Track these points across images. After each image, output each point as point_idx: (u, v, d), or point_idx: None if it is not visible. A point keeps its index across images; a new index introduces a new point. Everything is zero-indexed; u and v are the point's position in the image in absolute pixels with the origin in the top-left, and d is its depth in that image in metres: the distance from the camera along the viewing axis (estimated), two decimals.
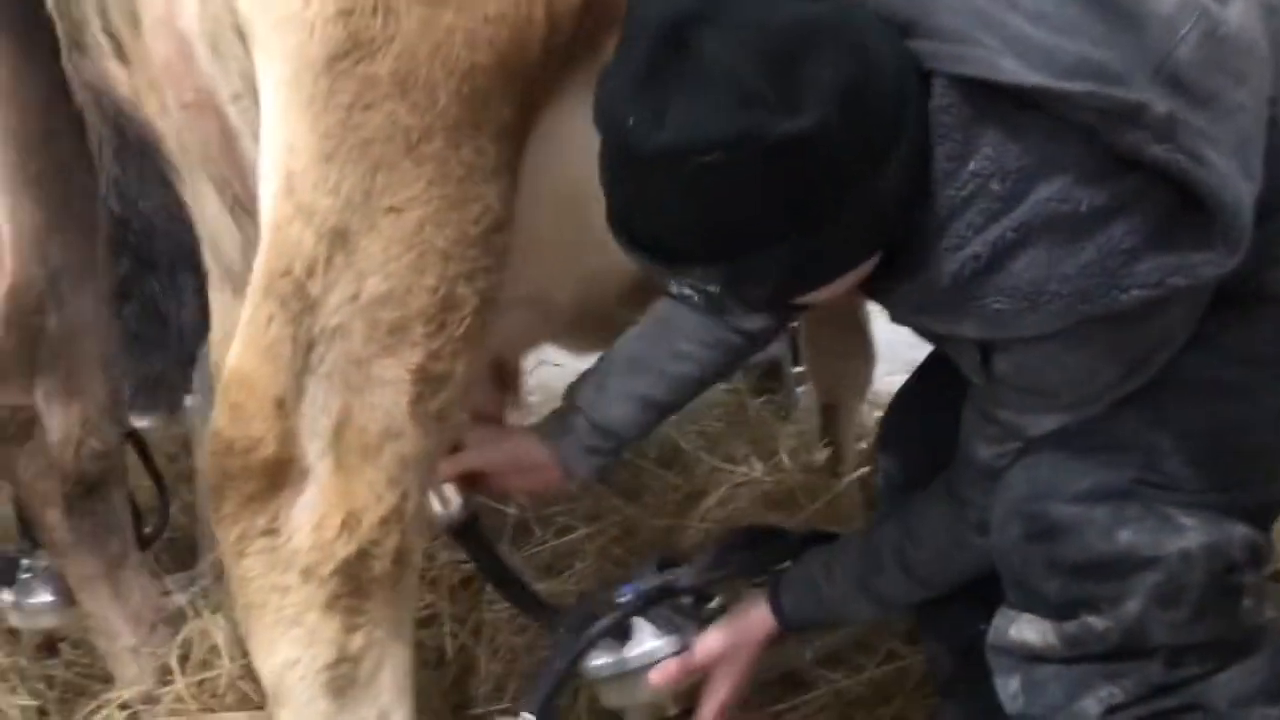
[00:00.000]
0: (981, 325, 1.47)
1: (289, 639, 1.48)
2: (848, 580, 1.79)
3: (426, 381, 1.51)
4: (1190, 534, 1.49)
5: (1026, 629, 1.58)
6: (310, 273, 1.46)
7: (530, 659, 2.37)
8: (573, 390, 1.92)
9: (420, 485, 1.54)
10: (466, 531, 1.89)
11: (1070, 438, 1.56)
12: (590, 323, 2.02)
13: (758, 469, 2.75)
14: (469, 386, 1.58)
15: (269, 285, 1.46)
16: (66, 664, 2.83)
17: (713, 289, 1.38)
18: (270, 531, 1.46)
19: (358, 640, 1.51)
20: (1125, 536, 1.49)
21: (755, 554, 1.90)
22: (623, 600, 1.82)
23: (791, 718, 2.19)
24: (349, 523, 1.48)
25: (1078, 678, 1.55)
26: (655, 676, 1.80)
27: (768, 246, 1.34)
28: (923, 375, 1.99)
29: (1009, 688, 1.61)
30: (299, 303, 1.46)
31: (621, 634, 1.81)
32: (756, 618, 1.84)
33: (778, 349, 3.35)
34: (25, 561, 2.82)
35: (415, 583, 1.58)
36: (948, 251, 1.42)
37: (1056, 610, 1.55)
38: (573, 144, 1.56)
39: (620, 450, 1.94)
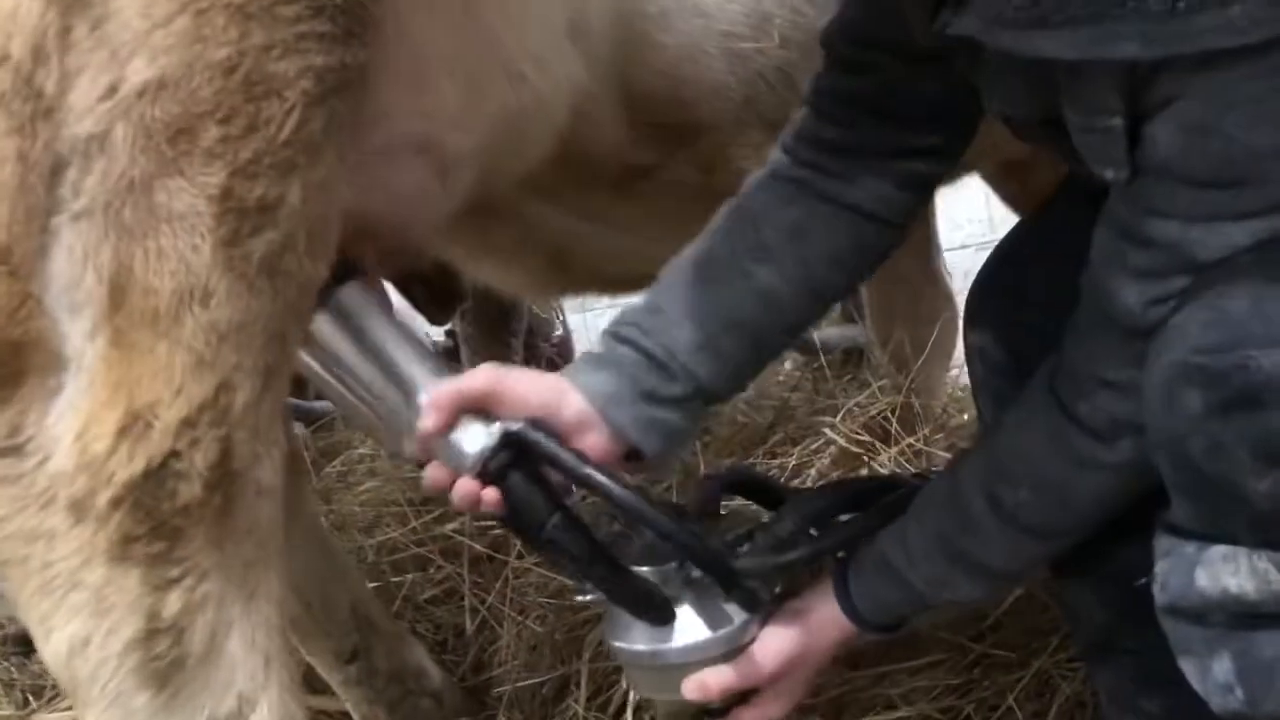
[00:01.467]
0: (1145, 36, 0.91)
1: (69, 608, 1.00)
2: (932, 551, 1.22)
3: (241, 214, 1.00)
4: None
5: (1226, 571, 0.97)
6: (39, 56, 0.96)
7: (562, 623, 1.88)
8: (614, 325, 1.29)
9: (258, 371, 1.04)
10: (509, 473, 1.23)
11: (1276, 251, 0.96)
12: (507, 205, 1.48)
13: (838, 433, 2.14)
14: (324, 229, 1.07)
15: None
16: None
17: None
18: (11, 450, 0.98)
19: (174, 602, 1.01)
20: None
21: (860, 519, 1.31)
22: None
23: (895, 687, 1.63)
24: (131, 427, 0.98)
25: None
26: (692, 691, 1.27)
27: None
28: (1025, 228, 1.41)
29: (1214, 674, 0.99)
30: (27, 103, 0.97)
31: (662, 619, 1.28)
32: (825, 618, 1.28)
33: (860, 332, 2.85)
34: None
35: (271, 515, 1.08)
36: None
37: (1273, 530, 0.94)
38: None
39: (698, 405, 1.28)
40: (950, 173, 1.83)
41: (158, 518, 0.99)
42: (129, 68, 0.97)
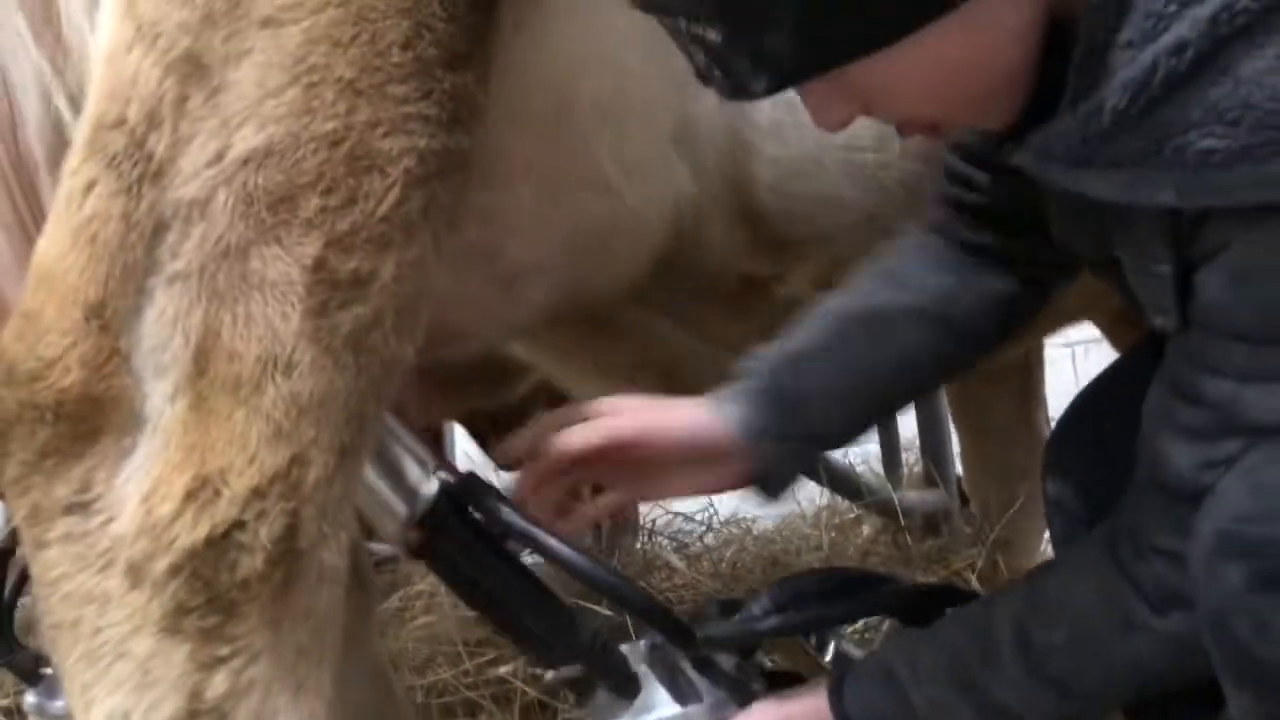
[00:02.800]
0: (1180, 187, 0.89)
1: (112, 679, 0.95)
2: (942, 673, 1.12)
3: (332, 286, 1.00)
4: None
5: None
6: (153, 121, 0.98)
7: None
8: (751, 364, 1.29)
9: (334, 449, 1.01)
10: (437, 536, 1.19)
11: None
12: (616, 321, 1.46)
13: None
14: (413, 310, 1.05)
15: (93, 140, 0.98)
16: None
17: (713, 36, 0.89)
18: (78, 507, 0.95)
19: (219, 683, 0.96)
20: None
21: (841, 604, 1.30)
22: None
23: None
24: (199, 492, 0.95)
25: None
26: None
27: None
28: (1109, 374, 1.37)
29: None
30: (136, 166, 0.98)
31: (627, 691, 1.25)
32: (809, 711, 1.20)
33: (942, 497, 2.75)
34: None
35: (330, 604, 1.03)
36: (1126, 47, 0.88)
37: None
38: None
39: (814, 450, 1.35)
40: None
41: (215, 589, 0.95)
42: (237, 135, 0.99)
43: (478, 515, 1.19)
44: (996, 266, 1.26)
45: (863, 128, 1.31)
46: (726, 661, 1.27)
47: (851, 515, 2.66)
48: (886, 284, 1.27)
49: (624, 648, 1.26)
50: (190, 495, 0.95)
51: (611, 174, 1.31)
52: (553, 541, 1.17)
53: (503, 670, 2.11)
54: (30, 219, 2.09)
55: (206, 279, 0.99)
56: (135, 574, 0.95)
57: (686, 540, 2.43)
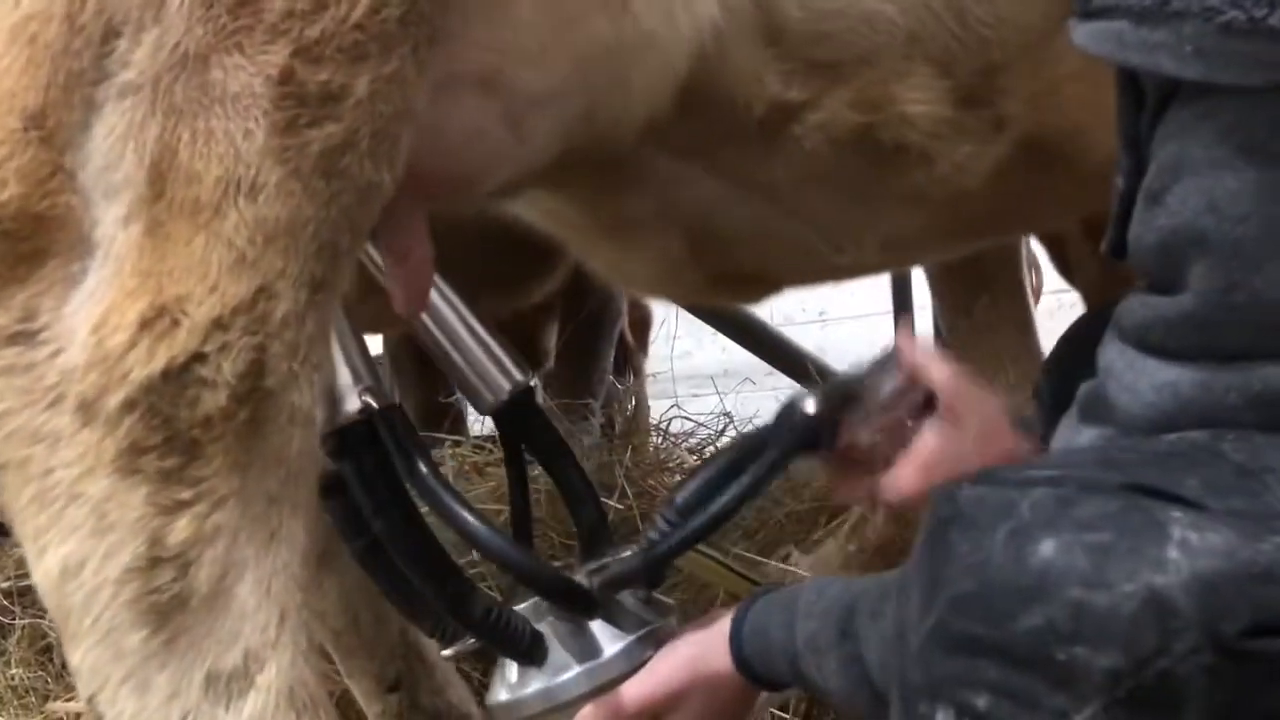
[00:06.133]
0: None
1: (66, 524, 0.88)
2: (833, 613, 1.03)
3: (300, 100, 0.90)
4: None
5: None
6: None
7: None
8: None
9: (304, 283, 0.92)
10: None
11: None
12: (640, 165, 1.34)
13: None
14: (391, 132, 0.96)
15: None
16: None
17: None
18: (22, 336, 0.87)
19: (182, 528, 0.89)
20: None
21: (727, 493, 1.16)
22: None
23: None
24: (155, 322, 0.87)
25: None
26: None
27: None
28: None
29: None
30: None
31: (535, 658, 1.16)
32: (718, 639, 1.11)
33: None
34: None
35: (304, 449, 0.95)
36: None
37: None
38: None
39: None
40: None
41: (174, 427, 0.88)
42: None
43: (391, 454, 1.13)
44: None
45: None
46: (633, 600, 1.18)
47: None
48: None
49: (520, 608, 1.17)
50: (145, 324, 0.87)
51: None
52: (452, 503, 1.12)
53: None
54: None
55: (162, 91, 0.89)
56: (86, 410, 0.87)
57: (702, 443, 2.36)
